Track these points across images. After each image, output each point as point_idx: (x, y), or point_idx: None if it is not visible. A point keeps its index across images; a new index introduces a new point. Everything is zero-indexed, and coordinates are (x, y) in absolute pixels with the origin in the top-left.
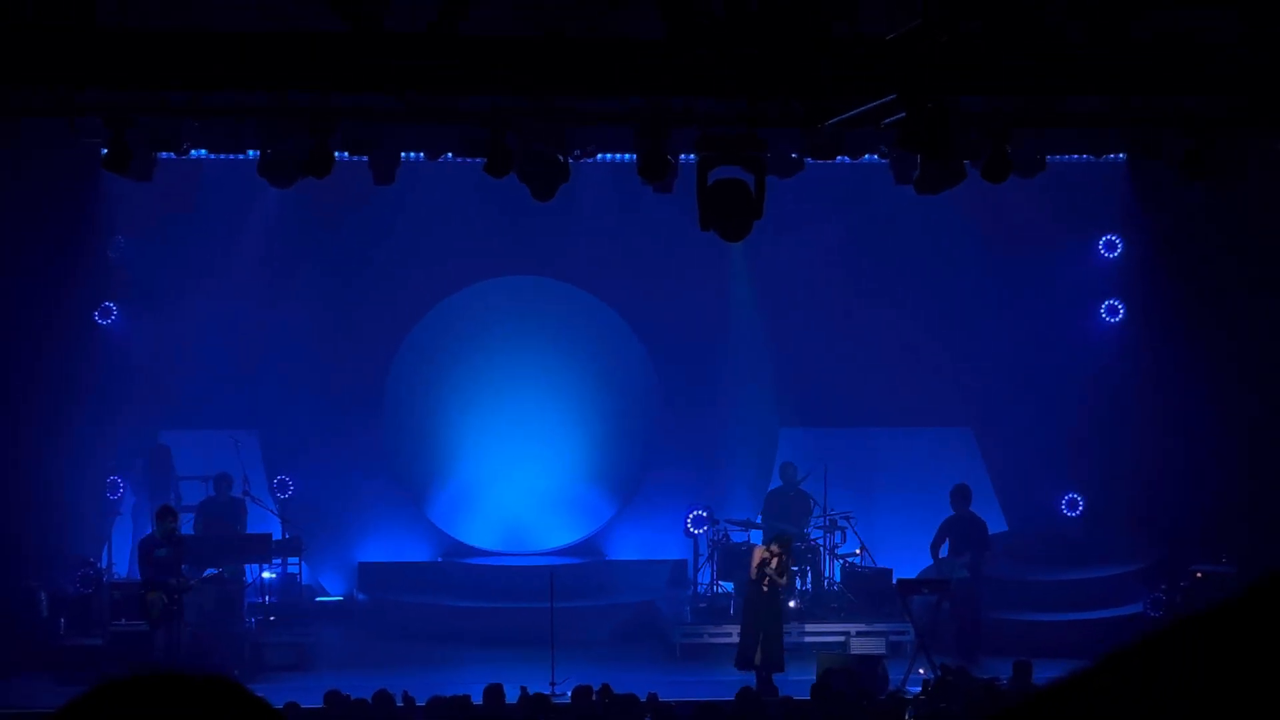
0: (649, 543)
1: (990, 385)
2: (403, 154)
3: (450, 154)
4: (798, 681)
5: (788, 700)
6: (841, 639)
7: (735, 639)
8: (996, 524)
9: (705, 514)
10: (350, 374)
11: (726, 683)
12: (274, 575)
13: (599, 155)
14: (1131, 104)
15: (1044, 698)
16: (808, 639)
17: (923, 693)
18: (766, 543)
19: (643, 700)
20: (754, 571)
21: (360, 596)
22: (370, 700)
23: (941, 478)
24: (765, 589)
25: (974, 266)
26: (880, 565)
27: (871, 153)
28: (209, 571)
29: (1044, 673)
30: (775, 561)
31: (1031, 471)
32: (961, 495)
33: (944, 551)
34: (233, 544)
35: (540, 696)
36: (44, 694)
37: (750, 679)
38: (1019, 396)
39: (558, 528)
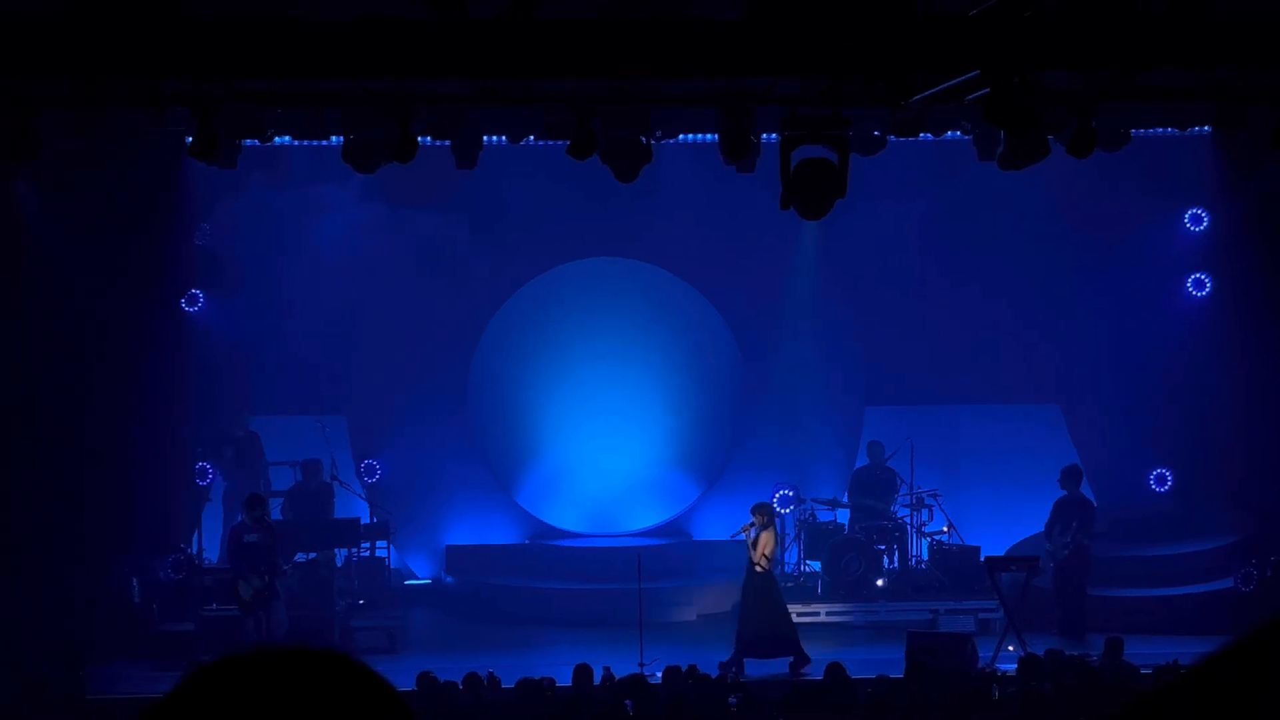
0: (736, 523)
1: (1077, 361)
2: (485, 138)
3: (532, 137)
4: (889, 660)
5: (881, 678)
6: (930, 617)
7: (824, 618)
8: None
9: (791, 493)
10: (436, 358)
11: (814, 661)
12: (362, 559)
13: (681, 136)
14: (1217, 77)
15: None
16: (897, 616)
17: (1015, 670)
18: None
19: (729, 680)
20: (751, 550)
21: (448, 579)
22: (460, 683)
23: (1029, 455)
24: (759, 568)
25: (1059, 242)
26: (968, 543)
27: (954, 130)
28: (299, 557)
29: (1135, 649)
30: (750, 533)
31: (1120, 447)
32: (1071, 476)
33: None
34: (322, 529)
35: (636, 677)
36: (141, 680)
37: (773, 665)
38: (1106, 372)
39: (644, 509)
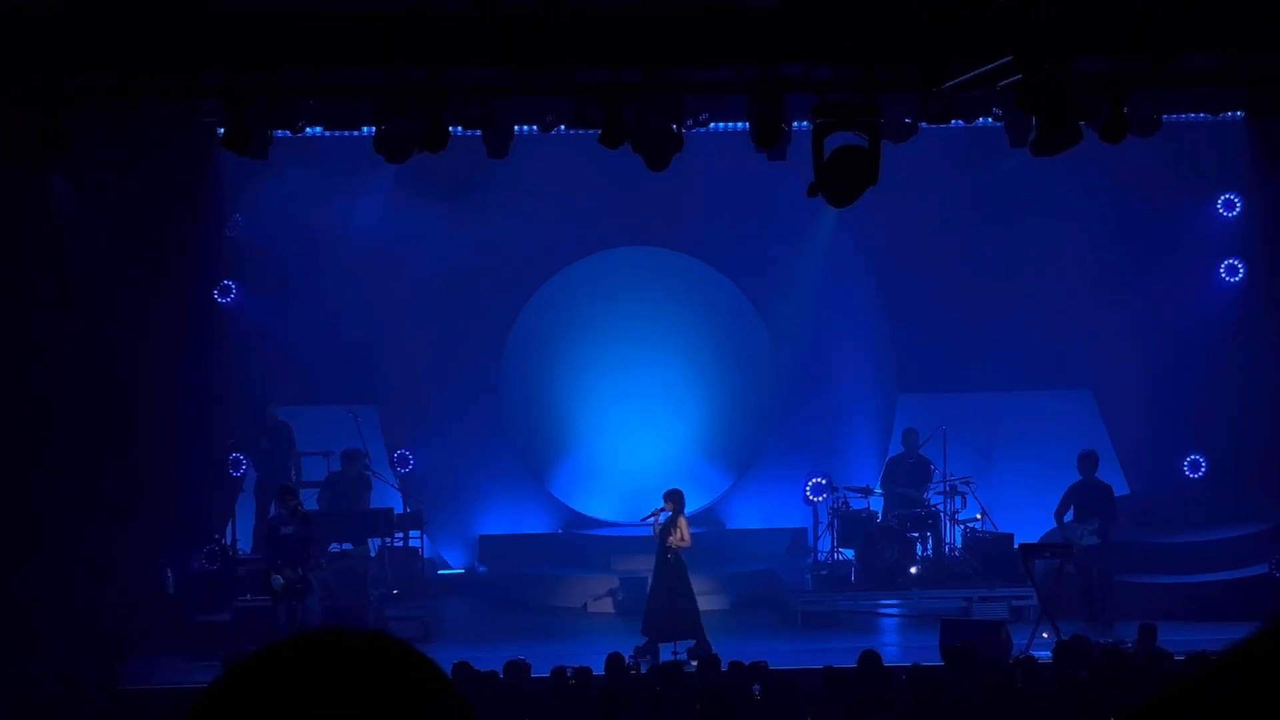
0: (768, 511)
1: (1110, 347)
2: (516, 127)
3: (563, 126)
4: (923, 648)
5: (916, 666)
6: (964, 604)
7: (859, 607)
8: (1119, 487)
9: (824, 481)
10: (468, 348)
11: (848, 649)
12: (396, 549)
13: (712, 125)
14: (1249, 62)
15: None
16: (931, 604)
17: (1050, 657)
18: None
19: (746, 666)
20: (658, 534)
21: (481, 569)
22: (501, 672)
23: (1062, 441)
24: (669, 554)
25: (1091, 228)
26: (1001, 530)
27: (986, 116)
28: (334, 547)
29: (1169, 635)
30: (659, 519)
31: (1153, 433)
32: (1089, 461)
33: (1069, 517)
34: (356, 520)
35: (672, 665)
36: (176, 671)
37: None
38: (1139, 358)
39: None
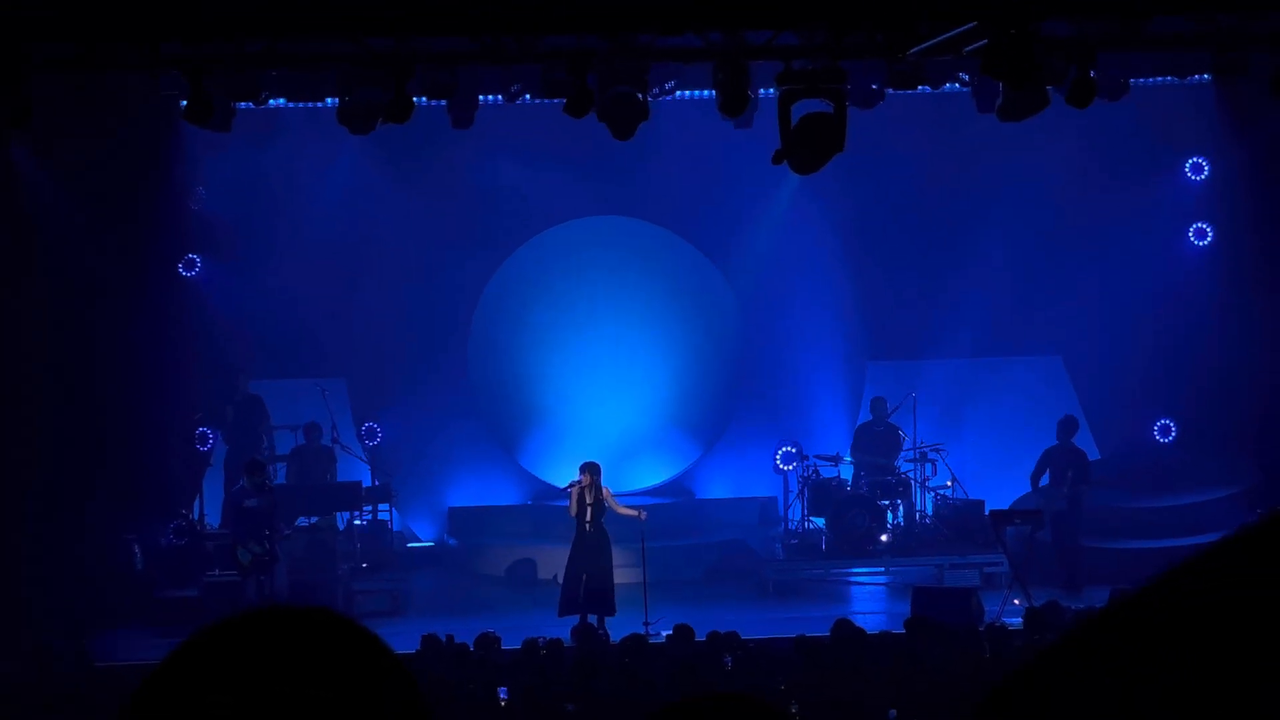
0: (738, 481)
1: (1078, 312)
2: (481, 97)
3: (528, 95)
4: (894, 615)
5: (885, 635)
6: (935, 572)
7: (830, 576)
8: (1090, 452)
9: (794, 450)
10: (435, 319)
11: (820, 618)
12: (364, 522)
13: (678, 93)
14: (1217, 24)
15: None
16: (902, 572)
17: (1021, 624)
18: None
19: (721, 635)
20: (573, 508)
21: (451, 541)
22: (471, 645)
23: (1032, 407)
24: (588, 526)
25: (1059, 192)
26: (972, 497)
27: (953, 82)
28: (301, 521)
29: None
30: (584, 493)
31: (1123, 398)
32: (1067, 427)
33: (1044, 481)
34: (323, 492)
35: (636, 637)
36: (146, 648)
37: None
38: (1107, 323)
39: (646, 468)
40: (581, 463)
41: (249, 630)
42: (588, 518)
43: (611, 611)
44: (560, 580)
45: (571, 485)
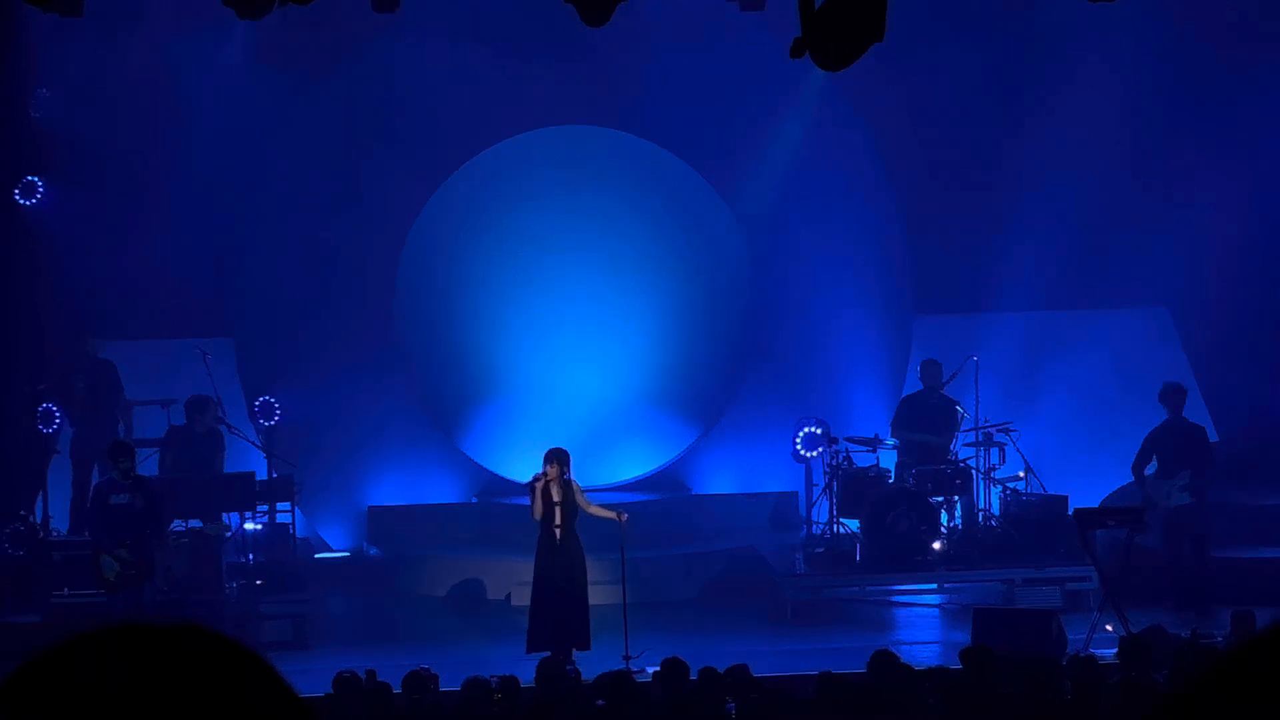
0: (746, 472)
1: (1191, 254)
2: None
3: None
4: (949, 643)
5: (937, 670)
6: (1004, 589)
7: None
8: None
9: (820, 431)
10: (351, 263)
11: (853, 650)
12: (259, 526)
13: None
14: None
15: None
16: (960, 589)
17: (1116, 656)
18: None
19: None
20: (537, 509)
21: (372, 551)
22: (398, 686)
23: (1129, 375)
24: (558, 532)
25: (1164, 100)
26: (1051, 491)
27: None
28: (178, 525)
29: None
30: (550, 489)
31: (1244, 363)
32: (1175, 396)
33: (1150, 470)
34: (206, 488)
35: (621, 674)
36: None
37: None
38: (1226, 269)
39: (626, 456)
40: (546, 450)
41: (100, 652)
42: (557, 521)
43: (585, 644)
44: (521, 602)
45: (535, 480)
